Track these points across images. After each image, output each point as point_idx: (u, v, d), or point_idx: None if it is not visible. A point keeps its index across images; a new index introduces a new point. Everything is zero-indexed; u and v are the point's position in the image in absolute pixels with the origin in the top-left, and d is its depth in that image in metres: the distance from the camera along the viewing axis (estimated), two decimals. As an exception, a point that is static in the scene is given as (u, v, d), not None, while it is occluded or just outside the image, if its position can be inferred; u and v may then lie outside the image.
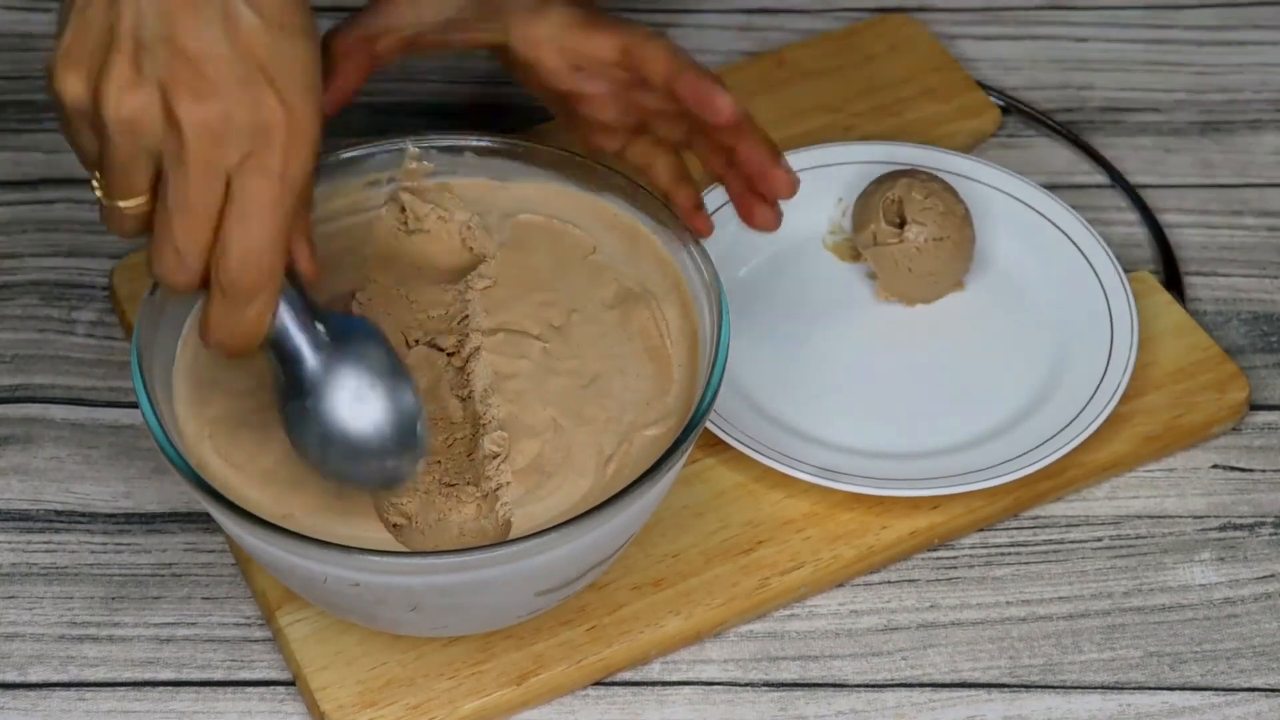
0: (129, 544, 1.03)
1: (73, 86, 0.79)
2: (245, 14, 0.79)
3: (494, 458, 0.93)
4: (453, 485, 0.93)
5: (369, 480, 0.90)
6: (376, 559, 0.88)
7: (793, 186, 1.02)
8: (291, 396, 0.87)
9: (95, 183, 0.82)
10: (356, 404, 0.87)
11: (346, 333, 0.87)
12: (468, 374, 0.96)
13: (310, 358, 0.86)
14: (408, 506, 0.93)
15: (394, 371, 0.88)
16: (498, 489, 0.92)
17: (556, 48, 0.98)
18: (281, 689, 0.98)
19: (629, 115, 1.03)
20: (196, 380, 0.95)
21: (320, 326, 0.86)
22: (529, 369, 0.95)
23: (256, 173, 0.80)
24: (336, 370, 0.87)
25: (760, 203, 1.05)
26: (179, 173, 0.80)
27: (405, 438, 0.89)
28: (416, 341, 0.97)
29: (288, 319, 0.85)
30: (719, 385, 0.92)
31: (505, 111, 1.23)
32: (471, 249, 1.00)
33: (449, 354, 0.97)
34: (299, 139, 0.80)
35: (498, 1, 1.00)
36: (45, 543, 1.04)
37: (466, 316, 0.97)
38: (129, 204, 0.81)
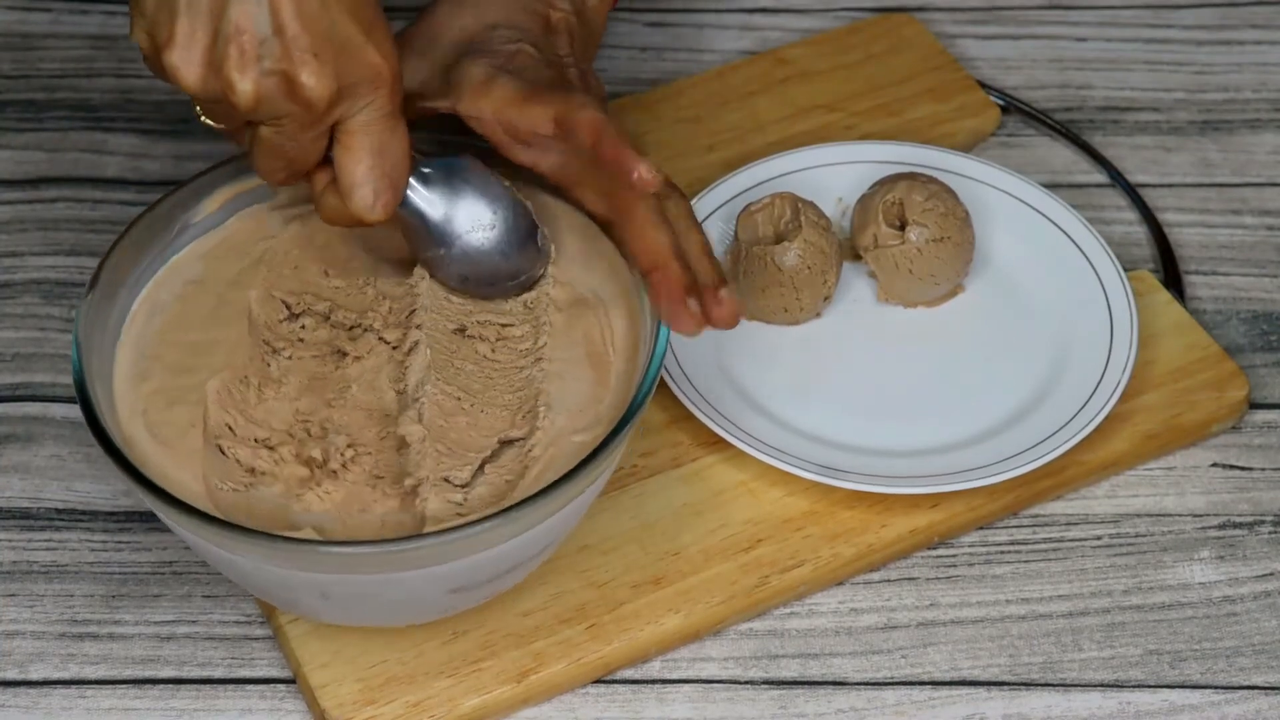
0: (129, 542, 1.03)
1: (193, 75, 0.87)
2: None
3: (417, 454, 0.93)
4: (380, 478, 0.93)
5: (510, 291, 0.98)
6: (268, 544, 0.88)
7: (733, 319, 0.96)
8: (426, 247, 0.96)
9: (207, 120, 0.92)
10: (484, 236, 0.96)
11: (454, 174, 0.96)
12: (406, 367, 0.96)
13: (433, 212, 0.96)
14: (331, 498, 0.92)
15: (503, 196, 0.97)
16: (418, 485, 0.92)
17: (498, 122, 0.99)
18: (282, 687, 0.99)
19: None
20: (139, 354, 0.96)
21: (429, 172, 0.95)
22: (467, 366, 0.96)
23: (374, 113, 0.90)
24: (457, 213, 0.96)
25: (692, 314, 0.97)
26: (293, 127, 0.89)
27: (531, 247, 0.98)
28: (364, 330, 0.97)
29: (412, 190, 0.95)
30: (647, 397, 0.92)
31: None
32: None
33: (393, 347, 0.97)
34: (398, 78, 0.90)
35: (454, 77, 1.01)
36: (46, 541, 1.04)
37: (414, 311, 0.98)
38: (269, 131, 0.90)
